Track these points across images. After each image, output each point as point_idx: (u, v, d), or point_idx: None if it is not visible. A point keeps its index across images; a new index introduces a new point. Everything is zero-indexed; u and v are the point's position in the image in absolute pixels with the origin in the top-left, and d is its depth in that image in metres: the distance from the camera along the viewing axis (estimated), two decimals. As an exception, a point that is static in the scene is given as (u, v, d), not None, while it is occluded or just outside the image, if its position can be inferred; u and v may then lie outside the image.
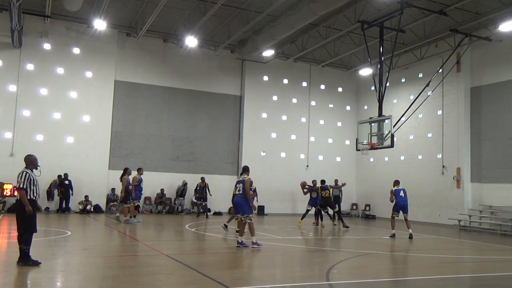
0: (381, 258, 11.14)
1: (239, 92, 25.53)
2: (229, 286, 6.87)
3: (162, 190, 22.69)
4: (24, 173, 8.09)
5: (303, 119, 26.77)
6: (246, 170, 11.62)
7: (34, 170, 8.30)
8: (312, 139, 26.86)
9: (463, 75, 21.35)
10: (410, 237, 14.57)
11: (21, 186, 7.96)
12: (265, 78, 25.93)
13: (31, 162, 8.32)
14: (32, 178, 8.11)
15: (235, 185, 11.41)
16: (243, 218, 11.16)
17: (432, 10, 18.53)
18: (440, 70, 21.03)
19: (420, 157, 23.39)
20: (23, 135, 20.33)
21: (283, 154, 26.01)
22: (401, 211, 15.03)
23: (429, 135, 22.95)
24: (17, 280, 7.07)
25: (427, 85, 19.92)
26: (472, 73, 21.41)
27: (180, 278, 7.72)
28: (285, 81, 26.46)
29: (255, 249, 10.80)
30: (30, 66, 20.83)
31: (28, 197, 8.00)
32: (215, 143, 24.71)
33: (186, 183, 22.09)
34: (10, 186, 19.28)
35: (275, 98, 26.09)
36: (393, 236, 14.83)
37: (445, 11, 18.50)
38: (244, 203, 11.14)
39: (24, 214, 7.94)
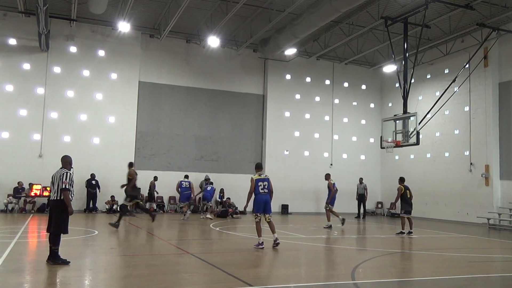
0: (407, 257, 10.98)
1: (262, 91, 25.53)
2: (253, 285, 6.88)
3: (186, 189, 22.79)
4: (68, 173, 8.25)
5: (327, 117, 26.58)
6: (261, 167, 11.38)
7: None
8: (335, 137, 26.65)
9: (491, 70, 20.84)
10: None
11: (66, 187, 8.10)
12: (288, 76, 25.85)
13: (69, 163, 8.50)
14: (73, 180, 8.31)
15: (257, 183, 10.98)
16: (270, 218, 11.01)
17: (458, 4, 18.15)
18: (467, 66, 20.55)
19: (447, 154, 22.94)
20: (51, 137, 20.81)
21: (306, 153, 25.89)
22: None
23: (456, 131, 22.48)
24: (47, 278, 7.24)
25: (454, 81, 19.53)
26: (500, 68, 20.87)
27: (204, 276, 7.77)
28: (308, 79, 26.32)
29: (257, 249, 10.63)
30: (57, 69, 21.30)
31: None
32: (239, 142, 24.78)
33: (209, 178, 21.83)
34: (39, 187, 19.74)
35: (298, 96, 25.99)
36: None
37: (472, 5, 18.10)
38: (270, 202, 11.05)
39: (62, 215, 8.11)
